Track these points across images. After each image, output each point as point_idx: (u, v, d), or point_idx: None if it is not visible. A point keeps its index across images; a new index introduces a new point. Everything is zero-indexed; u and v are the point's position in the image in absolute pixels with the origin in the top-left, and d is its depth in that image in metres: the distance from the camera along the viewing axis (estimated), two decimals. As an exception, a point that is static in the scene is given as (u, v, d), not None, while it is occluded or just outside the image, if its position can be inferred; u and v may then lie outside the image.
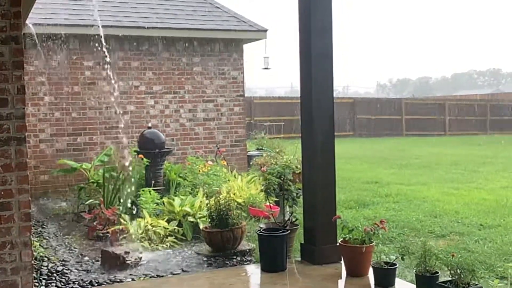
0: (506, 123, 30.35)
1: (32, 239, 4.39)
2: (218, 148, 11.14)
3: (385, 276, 4.85)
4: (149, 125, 9.49)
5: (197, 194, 7.56)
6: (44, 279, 5.37)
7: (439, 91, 78.98)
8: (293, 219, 6.01)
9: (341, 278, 5.25)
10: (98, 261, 5.95)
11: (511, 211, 8.42)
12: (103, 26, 9.71)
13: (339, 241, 5.36)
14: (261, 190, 7.79)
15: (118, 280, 5.32)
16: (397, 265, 4.92)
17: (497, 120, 30.41)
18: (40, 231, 7.53)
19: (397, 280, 4.90)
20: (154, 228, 6.55)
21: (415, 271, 4.64)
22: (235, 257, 6.00)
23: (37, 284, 5.19)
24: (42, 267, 5.72)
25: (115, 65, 10.66)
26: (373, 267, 4.93)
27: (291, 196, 7.31)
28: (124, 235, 6.49)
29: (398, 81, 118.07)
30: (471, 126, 30.03)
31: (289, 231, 5.63)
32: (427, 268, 4.56)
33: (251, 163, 10.95)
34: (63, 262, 5.96)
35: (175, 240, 6.56)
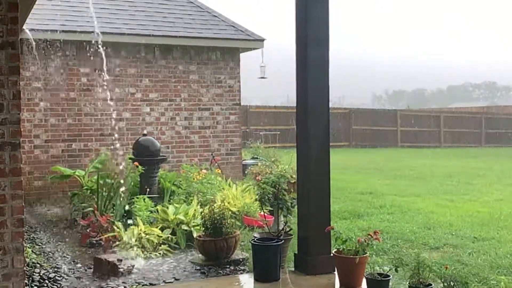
0: (501, 136, 30.46)
1: (25, 245, 4.36)
2: (213, 157, 11.13)
3: (379, 287, 4.84)
4: (145, 132, 9.48)
5: (191, 202, 7.54)
6: (36, 285, 5.34)
7: (434, 103, 79.35)
8: (287, 229, 6.00)
9: (334, 289, 5.24)
10: (90, 268, 5.92)
11: (505, 224, 8.43)
12: (101, 33, 9.72)
13: (333, 251, 5.36)
14: (256, 199, 7.77)
15: (110, 288, 5.30)
16: (391, 276, 4.91)
17: (492, 133, 30.52)
18: (33, 237, 7.49)
19: (390, 291, 4.90)
20: (147, 236, 6.52)
21: (409, 283, 4.64)
22: (228, 266, 5.98)
23: (28, 290, 5.15)
24: (34, 273, 5.68)
25: (111, 72, 10.65)
26: (366, 278, 4.93)
27: (285, 206, 7.29)
28: (117, 243, 6.46)
29: (394, 92, 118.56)
30: (466, 138, 30.13)
31: (283, 241, 5.61)
32: (421, 280, 4.56)
33: (246, 172, 10.93)
34: (56, 269, 5.92)
35: (168, 248, 6.54)
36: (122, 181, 7.87)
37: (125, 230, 6.65)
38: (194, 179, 8.57)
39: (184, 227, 6.83)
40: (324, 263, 5.53)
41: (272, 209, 7.48)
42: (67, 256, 6.52)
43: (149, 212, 7.19)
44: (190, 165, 9.27)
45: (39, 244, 7.10)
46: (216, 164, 10.61)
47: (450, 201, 10.68)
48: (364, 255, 5.10)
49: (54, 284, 5.41)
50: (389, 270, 4.94)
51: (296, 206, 6.23)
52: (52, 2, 10.64)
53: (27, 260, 5.92)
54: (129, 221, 6.87)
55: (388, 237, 7.40)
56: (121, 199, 7.62)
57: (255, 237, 5.76)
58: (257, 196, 7.77)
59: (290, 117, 24.23)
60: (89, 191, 8.36)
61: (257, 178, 8.19)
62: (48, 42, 9.97)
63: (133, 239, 6.44)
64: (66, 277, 5.64)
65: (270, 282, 5.34)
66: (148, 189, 8.19)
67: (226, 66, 11.80)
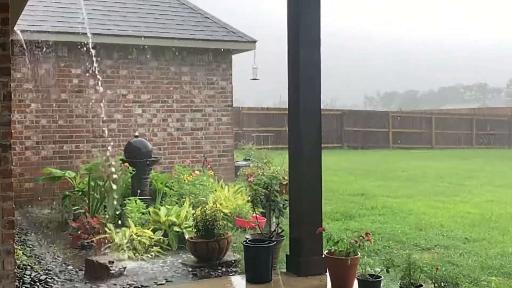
0: (491, 137, 30.64)
1: (16, 247, 4.34)
2: (205, 158, 11.12)
3: (370, 288, 4.85)
4: (136, 133, 9.46)
5: (183, 204, 7.53)
6: (27, 287, 5.31)
7: (426, 105, 79.67)
8: (279, 230, 6.01)
9: (326, 290, 5.25)
10: (82, 270, 5.90)
11: (495, 224, 8.48)
12: (92, 34, 9.69)
13: (325, 253, 5.37)
14: (248, 201, 7.78)
15: (101, 290, 5.28)
16: (382, 277, 4.93)
17: (483, 135, 30.69)
18: (24, 239, 7.45)
19: (381, 292, 4.91)
20: (139, 238, 6.51)
21: (400, 284, 4.65)
22: (220, 268, 5.97)
23: (19, 293, 5.12)
24: (25, 275, 5.65)
25: (103, 73, 10.62)
26: (358, 279, 4.94)
27: (277, 207, 7.29)
28: (109, 244, 6.45)
29: (386, 94, 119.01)
30: (457, 140, 30.27)
31: (275, 242, 5.62)
32: (412, 281, 4.58)
33: (238, 173, 10.94)
34: (47, 271, 5.89)
35: (160, 250, 6.53)
36: (113, 183, 7.85)
37: (117, 232, 6.63)
38: (185, 180, 8.56)
39: (176, 228, 6.82)
40: (316, 264, 5.54)
41: (264, 210, 7.48)
42: (58, 258, 6.49)
43: (141, 214, 7.18)
44: (182, 167, 9.26)
45: (30, 246, 7.06)
46: (208, 165, 10.60)
47: (442, 202, 10.72)
48: (356, 256, 5.11)
49: (45, 286, 5.39)
50: (381, 271, 4.95)
51: (288, 208, 6.23)
52: (44, 3, 10.61)
53: (18, 262, 5.89)
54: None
55: (380, 238, 7.42)
56: (113, 201, 7.60)
57: (247, 238, 5.76)
58: (249, 198, 7.77)
59: (282, 118, 24.26)
60: (80, 193, 8.33)
61: (249, 179, 8.20)
62: (39, 43, 9.93)
63: (125, 241, 6.42)
64: (57, 279, 5.62)
65: (262, 283, 5.34)
66: (139, 191, 8.17)
67: (218, 67, 11.80)
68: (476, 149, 28.79)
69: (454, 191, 12.31)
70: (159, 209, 7.18)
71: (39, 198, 10.06)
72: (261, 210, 7.54)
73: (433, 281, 4.42)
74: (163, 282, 5.54)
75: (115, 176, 8.06)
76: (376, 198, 11.03)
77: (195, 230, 6.20)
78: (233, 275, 5.83)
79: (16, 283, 4.62)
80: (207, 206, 6.48)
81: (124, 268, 5.78)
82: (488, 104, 77.75)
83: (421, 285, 4.57)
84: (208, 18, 12.10)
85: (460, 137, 30.35)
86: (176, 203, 7.82)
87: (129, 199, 7.49)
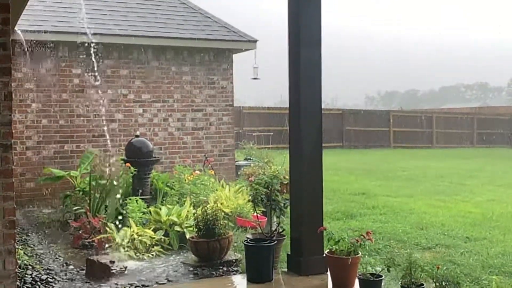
0: (492, 136, 30.62)
1: (17, 247, 4.34)
2: (206, 158, 11.12)
3: (371, 287, 4.85)
4: (137, 133, 9.46)
5: (184, 203, 7.53)
6: (28, 287, 5.31)
7: (426, 104, 79.63)
8: (280, 230, 6.01)
9: (327, 290, 5.25)
10: (83, 270, 5.90)
11: (496, 224, 8.48)
12: (93, 34, 9.69)
13: (326, 252, 5.37)
14: (249, 200, 7.78)
15: (103, 290, 5.28)
16: (383, 277, 4.93)
17: (484, 134, 30.67)
18: (25, 239, 7.46)
19: (383, 292, 4.91)
20: (140, 237, 6.51)
21: (401, 283, 4.66)
22: (221, 267, 5.98)
23: (20, 292, 5.13)
24: (26, 275, 5.66)
25: (103, 73, 10.63)
26: (359, 278, 4.94)
27: (278, 207, 7.29)
28: (110, 244, 6.45)
29: (387, 93, 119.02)
30: (458, 139, 30.25)
31: (276, 242, 5.62)
32: (413, 280, 4.58)
33: (239, 172, 10.94)
34: (48, 271, 5.90)
35: (161, 249, 6.53)
36: (114, 183, 7.85)
37: (118, 231, 6.63)
38: (186, 180, 8.56)
39: (177, 228, 6.82)
40: (317, 263, 5.54)
41: (265, 210, 7.49)
42: (60, 257, 6.49)
43: (142, 214, 7.18)
44: (183, 166, 9.26)
45: (31, 246, 7.07)
46: (209, 165, 10.60)
47: (442, 201, 10.72)
48: (357, 256, 5.11)
49: (47, 286, 5.39)
50: (382, 270, 4.95)
51: (289, 207, 6.24)
52: (44, 3, 10.61)
53: (19, 262, 5.89)
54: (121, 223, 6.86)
55: (381, 237, 7.42)
56: (114, 200, 7.60)
57: (248, 238, 5.76)
58: (250, 197, 7.77)
59: (283, 118, 24.22)
60: (81, 193, 8.33)
61: (250, 179, 8.19)
62: (40, 43, 9.94)
63: (126, 241, 6.43)
64: (58, 279, 5.62)
65: (263, 283, 5.34)
66: (140, 191, 8.17)
67: (219, 67, 11.80)
68: (477, 149, 28.77)
69: (455, 191, 12.31)
70: (160, 209, 7.19)
71: (40, 198, 10.06)
72: (262, 209, 7.54)
73: (434, 280, 4.42)
74: (164, 281, 5.55)
75: (115, 175, 8.07)
76: (377, 198, 11.03)
77: (196, 229, 6.20)
78: (234, 274, 5.83)
79: (17, 283, 4.62)
80: (208, 206, 6.48)
81: (125, 267, 5.79)
82: (489, 103, 77.72)
83: (422, 284, 4.57)
84: (209, 17, 12.10)
85: (461, 136, 30.33)
86: (177, 202, 7.82)
87: (130, 199, 7.49)
